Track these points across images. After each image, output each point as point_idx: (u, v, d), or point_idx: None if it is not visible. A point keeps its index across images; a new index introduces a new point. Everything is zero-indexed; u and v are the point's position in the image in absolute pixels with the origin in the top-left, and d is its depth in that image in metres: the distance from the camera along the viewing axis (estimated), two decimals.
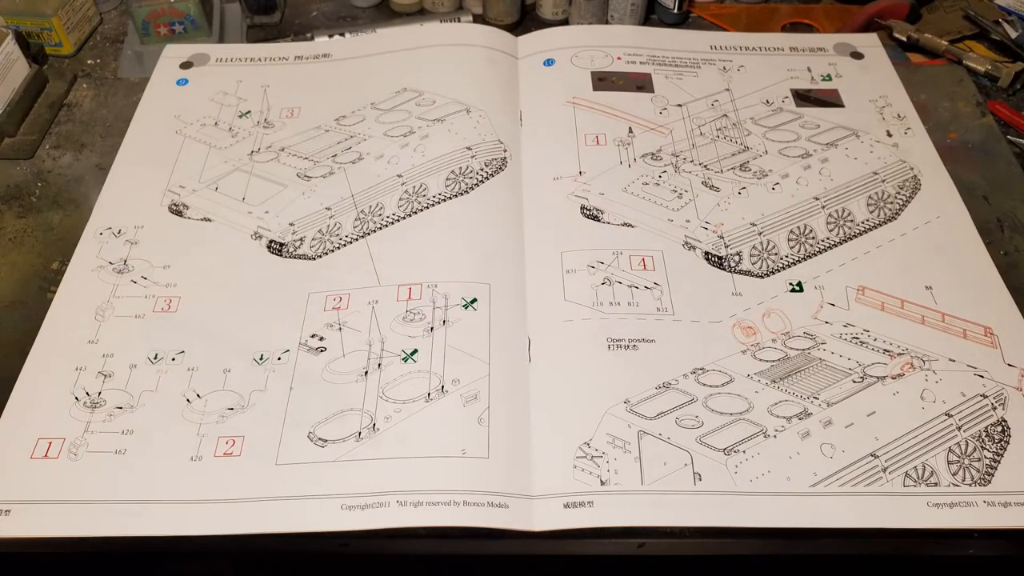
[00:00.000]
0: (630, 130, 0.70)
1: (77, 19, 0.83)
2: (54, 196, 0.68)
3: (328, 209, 0.65)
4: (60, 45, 0.81)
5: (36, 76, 0.76)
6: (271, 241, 0.63)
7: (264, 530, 0.48)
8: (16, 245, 0.64)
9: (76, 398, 0.54)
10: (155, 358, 0.56)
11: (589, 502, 0.48)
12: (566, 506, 0.48)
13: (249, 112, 0.73)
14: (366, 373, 0.55)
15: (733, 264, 0.61)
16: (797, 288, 0.59)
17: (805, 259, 0.61)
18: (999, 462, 0.50)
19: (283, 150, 0.70)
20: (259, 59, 0.79)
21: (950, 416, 0.52)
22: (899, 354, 0.55)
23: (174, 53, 0.79)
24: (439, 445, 0.51)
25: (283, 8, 0.88)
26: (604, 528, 0.48)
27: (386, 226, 0.64)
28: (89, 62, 0.82)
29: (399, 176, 0.67)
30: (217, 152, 0.70)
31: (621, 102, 0.73)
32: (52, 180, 0.69)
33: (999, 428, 0.52)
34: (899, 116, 0.71)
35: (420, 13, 0.88)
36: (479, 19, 0.86)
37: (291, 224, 0.63)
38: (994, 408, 0.52)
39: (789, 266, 0.61)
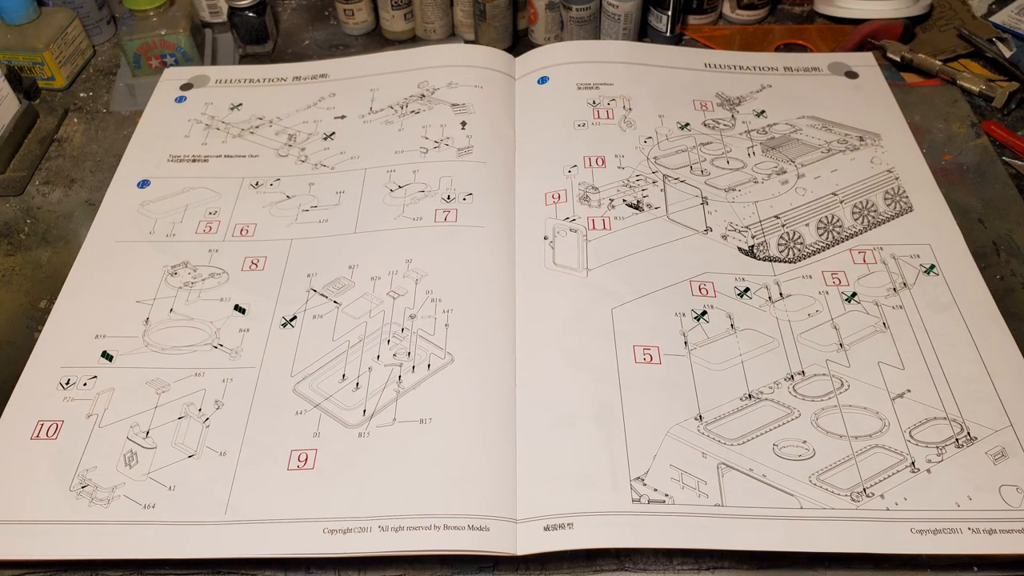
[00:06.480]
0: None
1: (70, 52, 0.83)
2: (43, 233, 0.68)
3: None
4: (52, 79, 0.82)
5: (26, 112, 0.76)
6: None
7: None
8: (4, 283, 0.64)
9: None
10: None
11: (570, 524, 0.48)
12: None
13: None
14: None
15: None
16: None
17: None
18: None
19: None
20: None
21: None
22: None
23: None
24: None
25: (275, 38, 0.88)
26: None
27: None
28: (82, 95, 0.82)
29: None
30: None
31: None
32: (41, 217, 0.69)
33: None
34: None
35: (412, 40, 0.88)
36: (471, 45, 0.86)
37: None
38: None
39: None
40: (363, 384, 0.55)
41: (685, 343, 0.56)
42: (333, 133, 0.73)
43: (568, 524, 0.48)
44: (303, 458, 0.52)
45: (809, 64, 0.79)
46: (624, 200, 0.65)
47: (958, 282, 0.60)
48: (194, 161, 0.71)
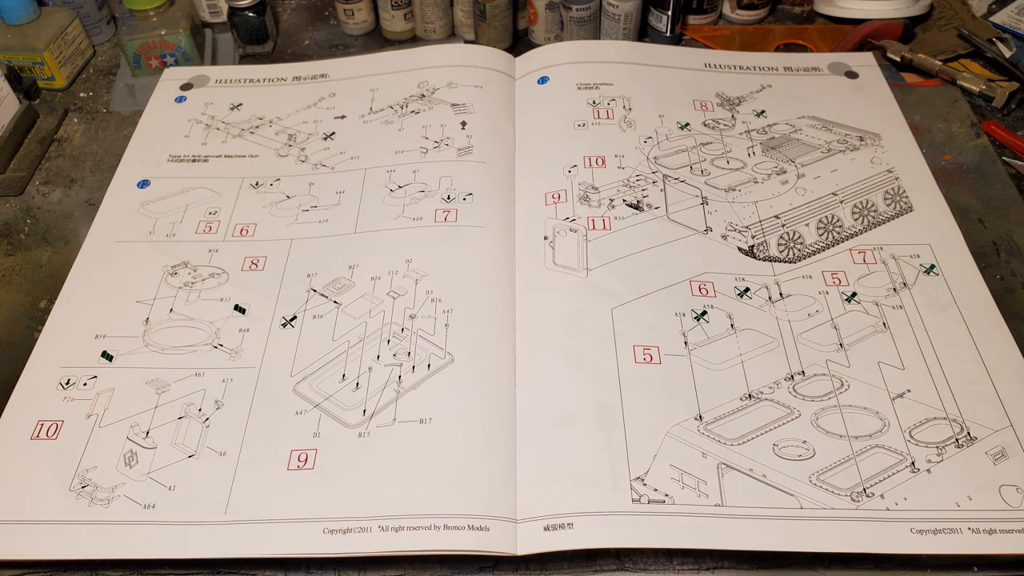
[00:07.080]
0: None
1: (70, 52, 0.83)
2: (43, 233, 0.68)
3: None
4: (52, 79, 0.82)
5: (27, 112, 0.76)
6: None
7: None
8: (4, 283, 0.64)
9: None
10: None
11: (570, 524, 0.48)
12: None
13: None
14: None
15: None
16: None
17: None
18: None
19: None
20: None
21: None
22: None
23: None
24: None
25: (275, 38, 0.88)
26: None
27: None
28: (82, 95, 0.82)
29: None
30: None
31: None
32: (41, 217, 0.69)
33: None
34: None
35: (412, 40, 0.88)
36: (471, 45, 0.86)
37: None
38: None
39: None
40: (363, 384, 0.55)
41: (685, 343, 0.56)
42: (333, 133, 0.73)
43: (568, 524, 0.48)
44: (303, 458, 0.52)
45: (809, 64, 0.79)
46: (624, 200, 0.65)
47: (958, 282, 0.60)
48: (194, 161, 0.71)
